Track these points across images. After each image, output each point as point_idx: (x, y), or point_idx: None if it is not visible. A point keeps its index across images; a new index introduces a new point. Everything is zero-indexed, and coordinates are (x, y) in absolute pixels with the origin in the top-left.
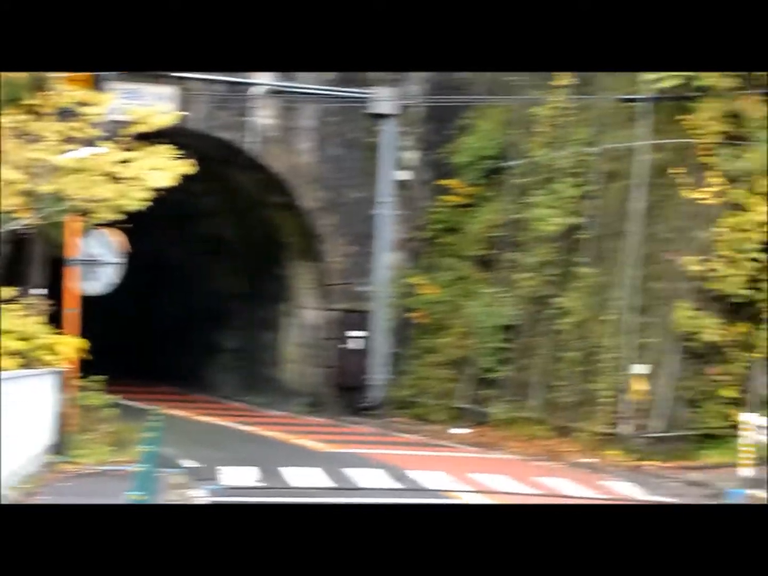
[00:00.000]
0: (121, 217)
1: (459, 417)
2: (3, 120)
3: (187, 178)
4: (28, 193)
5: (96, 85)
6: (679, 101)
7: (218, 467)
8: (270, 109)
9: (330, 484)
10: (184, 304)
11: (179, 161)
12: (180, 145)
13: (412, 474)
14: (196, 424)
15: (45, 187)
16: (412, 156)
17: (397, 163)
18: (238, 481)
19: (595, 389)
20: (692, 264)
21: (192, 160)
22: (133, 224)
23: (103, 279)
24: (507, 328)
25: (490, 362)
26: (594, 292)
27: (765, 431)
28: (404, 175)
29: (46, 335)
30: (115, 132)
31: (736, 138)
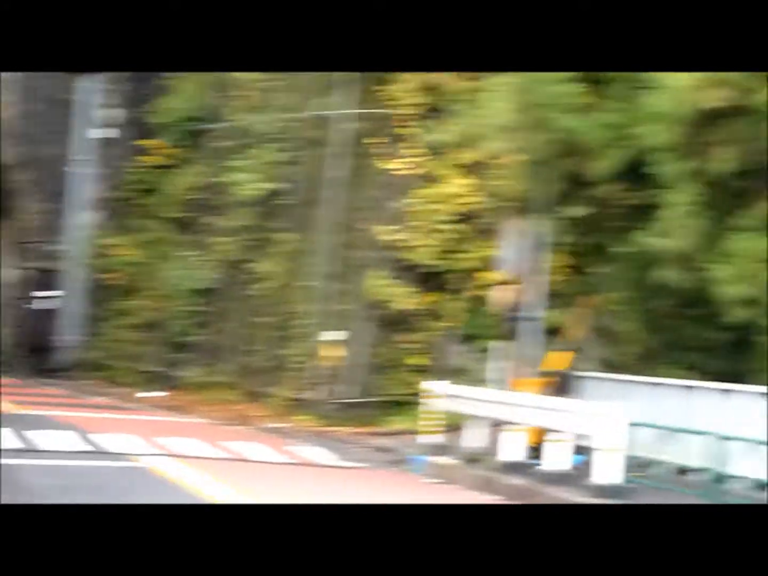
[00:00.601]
0: None
1: (151, 380)
2: None
3: None
4: None
5: None
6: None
7: None
8: None
9: (15, 445)
10: None
11: None
12: None
13: (99, 437)
14: None
15: None
16: (112, 114)
17: (96, 120)
18: None
19: (288, 355)
20: (385, 233)
21: None
22: None
23: None
24: (203, 291)
25: (185, 326)
26: (291, 258)
27: (448, 399)
28: (103, 133)
29: None
30: None
31: (433, 110)
